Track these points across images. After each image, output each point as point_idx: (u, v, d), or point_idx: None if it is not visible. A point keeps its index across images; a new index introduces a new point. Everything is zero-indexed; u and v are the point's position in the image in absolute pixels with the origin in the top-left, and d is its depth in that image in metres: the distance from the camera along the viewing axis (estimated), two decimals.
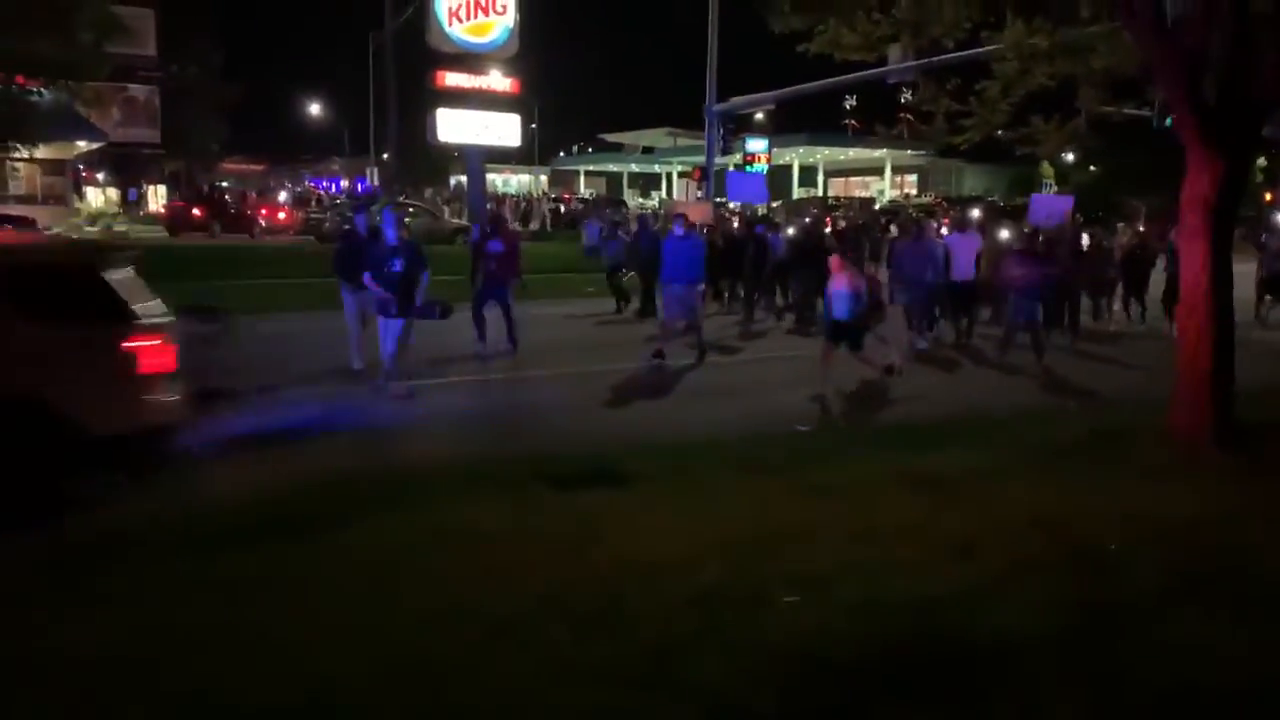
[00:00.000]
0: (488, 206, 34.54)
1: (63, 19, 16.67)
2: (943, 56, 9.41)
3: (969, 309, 13.42)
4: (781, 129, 51.47)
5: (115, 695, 3.57)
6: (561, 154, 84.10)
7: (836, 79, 26.58)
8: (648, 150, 72.00)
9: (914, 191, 65.34)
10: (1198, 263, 6.93)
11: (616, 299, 16.21)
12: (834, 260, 9.72)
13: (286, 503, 5.84)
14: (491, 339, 11.58)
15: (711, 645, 4.00)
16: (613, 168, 79.92)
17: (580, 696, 3.63)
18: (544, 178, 76.80)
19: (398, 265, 8.94)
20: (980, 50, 9.78)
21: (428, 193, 50.85)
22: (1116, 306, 15.74)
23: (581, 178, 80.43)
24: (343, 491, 6.10)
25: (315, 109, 64.67)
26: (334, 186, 69.56)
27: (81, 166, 39.97)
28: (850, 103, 73.46)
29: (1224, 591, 4.69)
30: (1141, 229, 22.24)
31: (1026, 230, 15.68)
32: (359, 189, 55.98)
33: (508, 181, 73.07)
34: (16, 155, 25.97)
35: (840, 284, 9.31)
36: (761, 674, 3.79)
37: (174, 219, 33.03)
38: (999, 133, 9.48)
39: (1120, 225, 28.45)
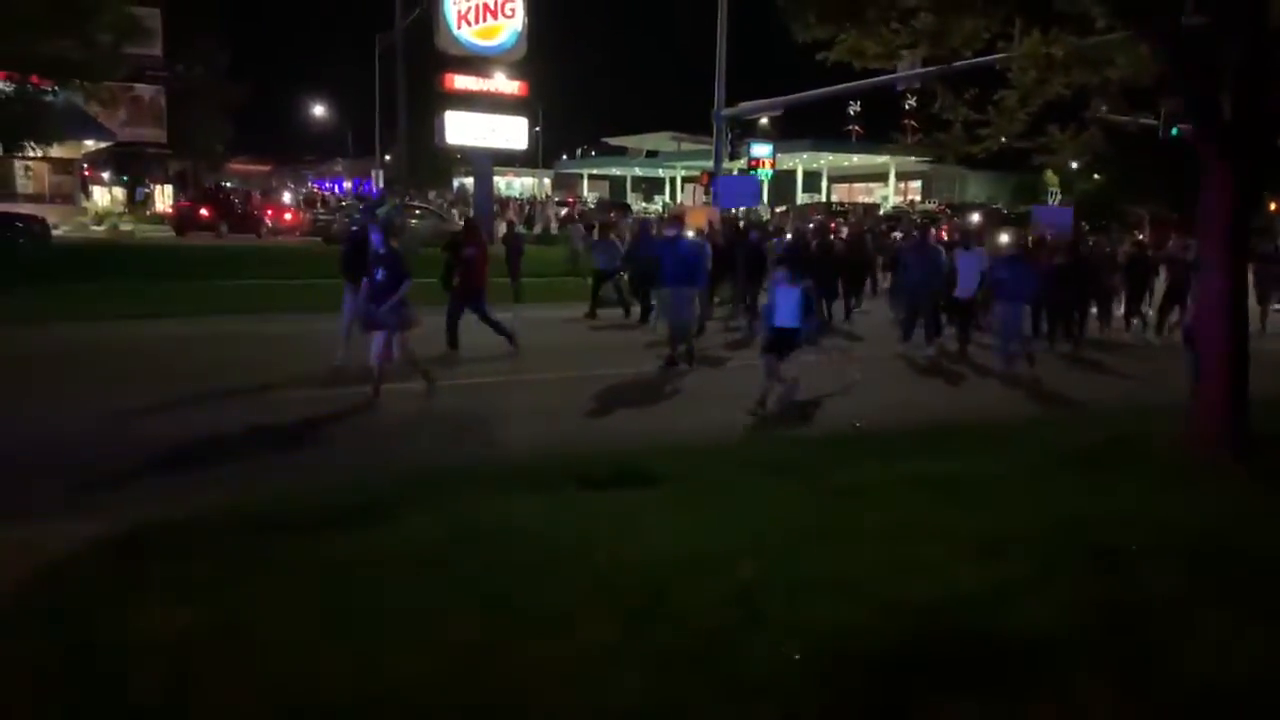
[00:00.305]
0: (494, 208, 34.68)
1: (83, 21, 16.80)
2: (955, 64, 9.46)
3: (965, 324, 13.40)
4: (786, 134, 51.63)
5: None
6: (565, 157, 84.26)
7: (845, 85, 26.71)
8: (651, 154, 72.17)
9: (918, 198, 65.53)
10: (1214, 273, 7.00)
11: (593, 306, 15.89)
12: (781, 271, 9.53)
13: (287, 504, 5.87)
14: (488, 345, 11.58)
15: (731, 644, 4.04)
16: (616, 171, 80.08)
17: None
18: (547, 181, 76.96)
19: (380, 274, 8.93)
20: (993, 58, 9.85)
21: (431, 195, 50.97)
22: (1119, 313, 15.85)
23: (585, 181, 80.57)
24: (361, 489, 6.16)
25: (320, 110, 64.75)
26: (337, 188, 69.74)
27: (85, 165, 40.11)
28: (854, 109, 73.83)
29: (1248, 593, 4.75)
30: (1141, 237, 22.38)
31: (1032, 238, 15.83)
32: (363, 190, 56.11)
33: (510, 184, 73.23)
34: (30, 155, 26.08)
35: (783, 296, 9.19)
36: (798, 667, 3.85)
37: (181, 219, 33.11)
38: (1012, 141, 9.56)
39: (1127, 234, 28.58)
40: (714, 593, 4.51)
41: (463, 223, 14.49)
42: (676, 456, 7.14)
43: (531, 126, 38.51)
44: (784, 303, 9.15)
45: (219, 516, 5.51)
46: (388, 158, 53.68)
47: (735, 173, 35.04)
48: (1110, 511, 5.91)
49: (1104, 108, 10.54)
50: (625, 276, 16.09)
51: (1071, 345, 14.03)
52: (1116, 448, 7.56)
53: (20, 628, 4.14)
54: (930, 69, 13.25)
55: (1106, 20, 8.03)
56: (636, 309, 15.74)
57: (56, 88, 19.64)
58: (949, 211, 46.92)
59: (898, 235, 26.21)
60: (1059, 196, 47.74)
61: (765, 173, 37.92)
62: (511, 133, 32.63)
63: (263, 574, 4.63)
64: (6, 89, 18.95)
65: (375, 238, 9.30)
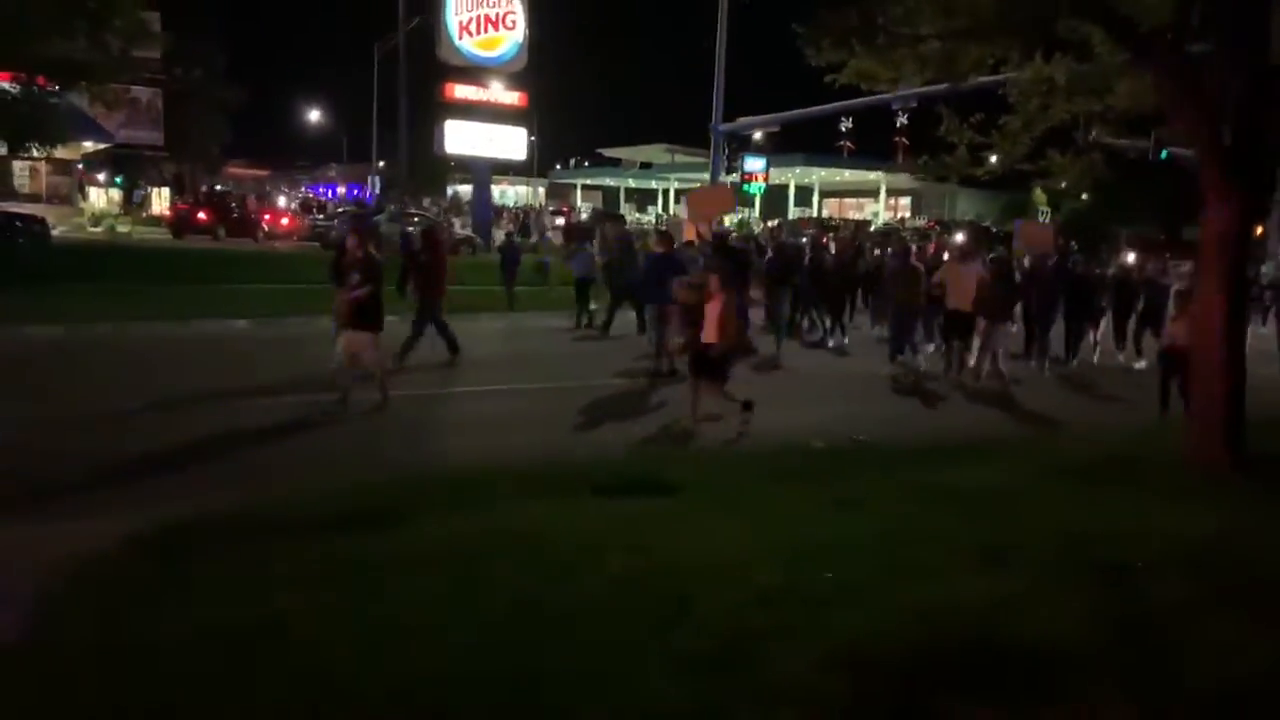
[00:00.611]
0: (492, 216, 34.77)
1: (95, 25, 16.92)
2: (960, 87, 9.71)
3: (965, 339, 12.99)
4: (778, 149, 51.92)
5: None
6: (558, 167, 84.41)
7: (842, 103, 26.99)
8: (645, 166, 72.41)
9: (908, 214, 66.02)
10: (1214, 296, 7.24)
11: (590, 315, 16.04)
12: (713, 280, 9.14)
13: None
14: (484, 353, 11.76)
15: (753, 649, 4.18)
16: (610, 182, 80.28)
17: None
18: (541, 190, 77.11)
19: (354, 278, 8.94)
20: (995, 78, 10.09)
21: (425, 201, 51.05)
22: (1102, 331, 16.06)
23: (579, 191, 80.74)
24: (372, 492, 6.29)
25: (316, 116, 64.79)
26: (330, 193, 69.70)
27: (80, 166, 40.07)
28: (846, 125, 74.35)
29: (1253, 602, 4.92)
30: (1130, 259, 22.52)
31: (1022, 258, 16.00)
32: (360, 196, 56.12)
33: (504, 193, 73.34)
34: (33, 155, 26.10)
35: (714, 308, 8.79)
36: (818, 671, 4.00)
37: (178, 221, 33.13)
38: (1014, 164, 9.80)
39: (1114, 254, 28.89)
40: (735, 598, 4.63)
41: (421, 230, 14.21)
42: (681, 465, 7.30)
43: (528, 136, 38.73)
44: (711, 315, 8.85)
45: (231, 518, 5.61)
46: (381, 164, 53.79)
47: (729, 182, 35.23)
48: (1114, 524, 6.04)
49: (1097, 133, 10.79)
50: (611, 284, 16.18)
51: (1055, 365, 14.22)
52: (1116, 463, 7.74)
53: (53, 626, 4.23)
54: (928, 89, 13.53)
55: (1108, 48, 8.29)
56: (589, 316, 15.93)
57: (60, 89, 19.70)
58: (939, 228, 47.30)
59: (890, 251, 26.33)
60: (1049, 215, 48.15)
61: (758, 186, 38.21)
62: (510, 142, 32.88)
63: (287, 575, 4.71)
64: (13, 90, 19.03)
65: (351, 242, 9.42)
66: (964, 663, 4.16)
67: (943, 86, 9.79)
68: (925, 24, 7.64)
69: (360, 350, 8.99)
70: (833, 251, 18.99)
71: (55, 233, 26.41)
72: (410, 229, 28.87)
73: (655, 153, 67.34)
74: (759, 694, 3.79)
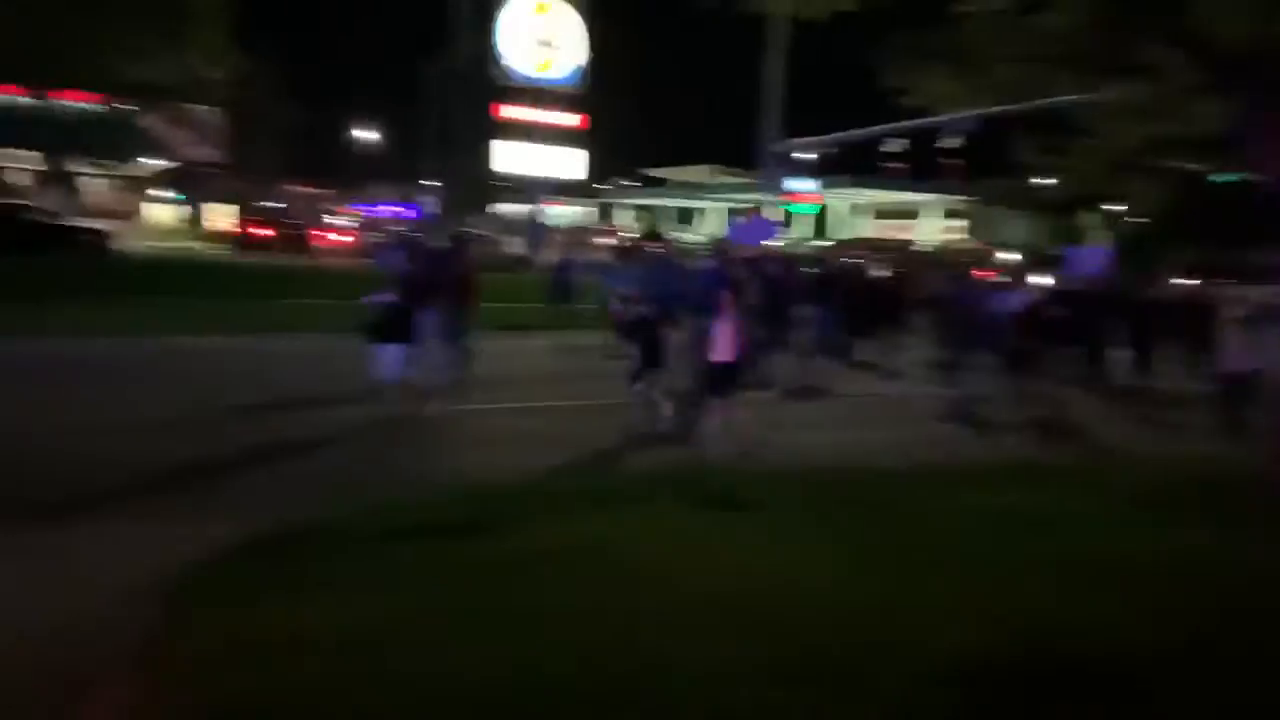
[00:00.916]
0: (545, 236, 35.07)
1: (181, 48, 17.52)
2: (1030, 108, 9.72)
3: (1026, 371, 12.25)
4: (827, 170, 51.77)
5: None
6: (602, 185, 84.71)
7: (896, 124, 26.92)
8: (691, 186, 72.59)
9: (959, 236, 65.35)
10: None
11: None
12: (725, 298, 8.89)
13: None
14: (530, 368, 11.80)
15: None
16: (655, 202, 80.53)
17: None
18: (595, 210, 77.51)
19: (386, 294, 9.14)
20: (1064, 100, 10.07)
21: (478, 219, 51.68)
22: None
23: (626, 211, 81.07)
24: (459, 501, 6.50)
25: (369, 135, 65.79)
26: (383, 211, 70.62)
27: (146, 182, 41.17)
28: (899, 146, 73.88)
29: None
30: (1182, 282, 22.09)
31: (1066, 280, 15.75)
32: (421, 215, 56.85)
33: (552, 213, 73.68)
34: (108, 174, 26.93)
35: (725, 326, 8.62)
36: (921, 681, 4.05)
37: (242, 238, 33.97)
38: (1093, 188, 9.75)
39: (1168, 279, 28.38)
40: (826, 612, 4.75)
41: (450, 242, 13.96)
42: (745, 482, 7.33)
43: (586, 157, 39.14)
44: (721, 335, 8.64)
45: (340, 523, 5.84)
46: (436, 183, 54.52)
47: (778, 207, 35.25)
48: (1195, 548, 6.02)
49: (1176, 157, 10.70)
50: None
51: (1113, 390, 13.98)
52: (1190, 488, 7.65)
53: (180, 622, 4.44)
54: (985, 110, 13.52)
55: (1191, 73, 8.24)
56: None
57: (140, 109, 20.33)
58: (990, 250, 46.87)
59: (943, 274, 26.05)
60: (1104, 238, 47.48)
61: (809, 207, 38.14)
62: (567, 163, 33.29)
63: (403, 578, 4.93)
64: (98, 110, 19.67)
65: (396, 256, 9.51)
66: (1066, 678, 4.20)
67: (1009, 107, 9.80)
68: (1006, 48, 7.68)
69: (392, 362, 9.12)
70: (881, 274, 18.78)
71: (119, 247, 27.15)
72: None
73: (701, 174, 67.54)
74: (863, 705, 3.87)
